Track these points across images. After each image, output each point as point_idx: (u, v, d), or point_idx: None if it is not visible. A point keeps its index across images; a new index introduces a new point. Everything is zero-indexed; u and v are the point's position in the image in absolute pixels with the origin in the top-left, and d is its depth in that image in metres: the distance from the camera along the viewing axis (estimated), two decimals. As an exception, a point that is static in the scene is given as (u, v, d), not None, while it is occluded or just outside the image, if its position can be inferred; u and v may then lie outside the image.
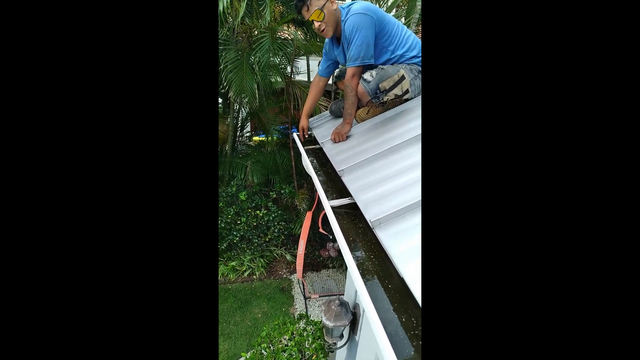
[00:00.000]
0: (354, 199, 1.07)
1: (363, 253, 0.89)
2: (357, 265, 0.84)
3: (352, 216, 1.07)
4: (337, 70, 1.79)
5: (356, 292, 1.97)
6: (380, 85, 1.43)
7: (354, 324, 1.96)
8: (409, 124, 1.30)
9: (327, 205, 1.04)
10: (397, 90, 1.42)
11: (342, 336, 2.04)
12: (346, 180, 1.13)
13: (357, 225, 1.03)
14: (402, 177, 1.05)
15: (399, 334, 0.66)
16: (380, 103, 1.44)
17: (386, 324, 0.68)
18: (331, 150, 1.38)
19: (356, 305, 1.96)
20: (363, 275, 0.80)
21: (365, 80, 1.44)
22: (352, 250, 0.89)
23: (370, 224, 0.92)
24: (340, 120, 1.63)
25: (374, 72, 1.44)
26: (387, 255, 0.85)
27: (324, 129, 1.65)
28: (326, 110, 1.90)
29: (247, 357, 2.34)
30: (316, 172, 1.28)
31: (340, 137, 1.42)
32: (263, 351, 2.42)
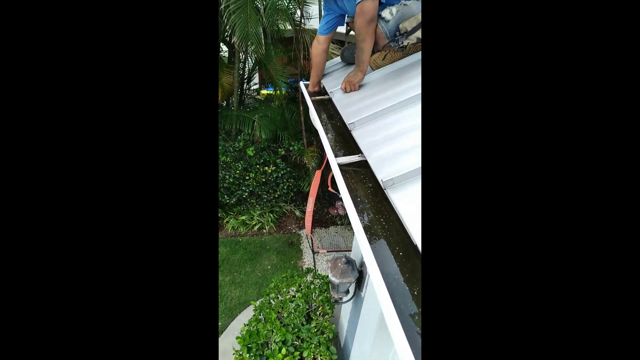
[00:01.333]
0: (364, 156, 0.94)
1: (372, 215, 0.79)
2: (365, 229, 0.74)
3: (361, 175, 0.95)
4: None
5: (363, 250, 1.93)
6: (400, 26, 1.21)
7: (359, 281, 1.95)
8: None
9: (334, 162, 0.93)
10: (420, 33, 1.21)
11: (348, 292, 2.05)
12: (356, 134, 1.00)
13: (367, 185, 0.92)
14: (419, 133, 0.90)
15: (409, 309, 0.58)
16: (399, 47, 1.24)
17: (395, 296, 0.60)
18: (341, 101, 1.22)
19: (363, 263, 1.94)
20: (371, 240, 0.71)
21: (383, 19, 1.22)
22: (359, 212, 0.79)
23: (381, 185, 0.81)
24: (353, 68, 1.44)
25: (394, 9, 1.22)
26: (400, 219, 0.74)
27: (333, 78, 1.47)
28: (337, 57, 1.69)
29: (257, 305, 2.41)
30: (323, 125, 1.15)
31: (351, 86, 1.25)
32: (271, 301, 2.49)
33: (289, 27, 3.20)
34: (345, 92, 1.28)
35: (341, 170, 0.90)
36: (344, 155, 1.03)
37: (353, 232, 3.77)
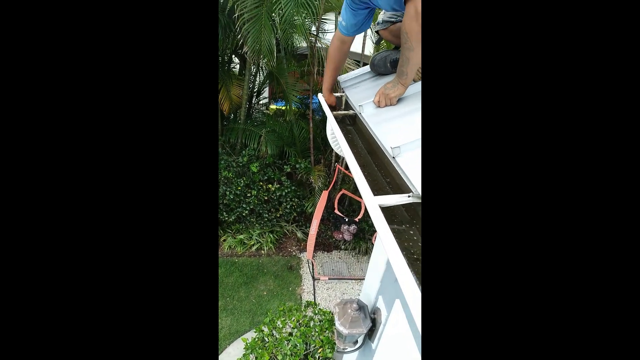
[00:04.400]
0: (420, 196, 0.61)
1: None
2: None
3: (410, 227, 0.62)
4: (381, 14, 1.25)
5: (377, 296, 1.57)
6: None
7: (371, 330, 1.57)
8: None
9: (374, 203, 0.60)
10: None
11: (356, 342, 1.67)
12: (404, 162, 0.67)
13: (418, 242, 0.58)
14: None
15: None
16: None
17: None
18: (373, 118, 0.91)
19: (376, 310, 1.57)
20: None
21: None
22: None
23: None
24: (386, 80, 1.13)
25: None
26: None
27: (360, 90, 1.16)
28: (359, 67, 1.38)
29: (248, 343, 2.02)
30: (351, 148, 0.83)
31: (387, 100, 0.94)
32: (265, 338, 2.10)
33: (304, 44, 2.96)
34: (379, 106, 0.96)
35: (386, 216, 0.57)
36: (380, 192, 0.70)
37: (357, 259, 3.39)
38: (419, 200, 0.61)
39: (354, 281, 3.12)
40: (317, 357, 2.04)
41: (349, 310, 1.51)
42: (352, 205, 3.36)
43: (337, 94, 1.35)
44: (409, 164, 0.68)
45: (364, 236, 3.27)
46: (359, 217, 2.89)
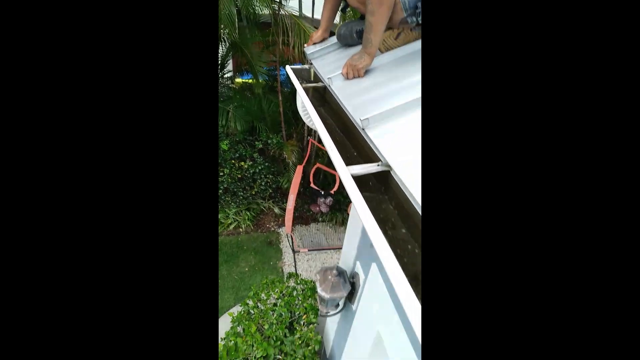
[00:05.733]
0: (388, 164, 0.65)
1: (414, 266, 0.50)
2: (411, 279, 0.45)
3: (379, 191, 0.67)
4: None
5: (355, 261, 1.67)
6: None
7: (351, 294, 1.69)
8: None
9: (346, 172, 0.63)
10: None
11: (337, 305, 1.80)
12: (374, 135, 0.71)
13: (388, 207, 0.63)
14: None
15: None
16: (417, 24, 0.95)
17: None
18: (342, 90, 0.92)
19: (355, 274, 1.68)
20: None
21: (397, -13, 0.92)
22: (401, 262, 0.50)
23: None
24: (353, 50, 1.13)
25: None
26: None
27: (329, 62, 1.15)
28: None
29: (234, 316, 2.10)
30: (323, 121, 0.84)
31: (355, 71, 0.95)
32: (251, 310, 2.19)
33: (267, 12, 2.80)
34: (347, 78, 0.97)
35: (358, 185, 0.61)
36: (352, 163, 0.73)
37: (335, 229, 3.52)
38: (387, 169, 0.65)
39: (333, 251, 3.26)
40: (302, 323, 2.16)
41: (330, 277, 1.60)
42: (327, 179, 3.42)
43: (305, 66, 1.32)
44: (378, 135, 0.71)
45: (340, 207, 3.37)
46: (334, 189, 2.96)
